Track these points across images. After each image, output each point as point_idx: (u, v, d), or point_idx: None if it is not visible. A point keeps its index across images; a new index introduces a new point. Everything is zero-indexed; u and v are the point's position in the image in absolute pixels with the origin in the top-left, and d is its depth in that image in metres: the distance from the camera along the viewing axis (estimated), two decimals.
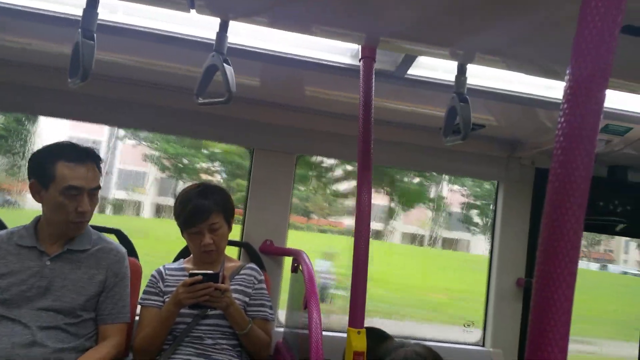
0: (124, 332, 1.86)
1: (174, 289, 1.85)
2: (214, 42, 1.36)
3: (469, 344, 2.66)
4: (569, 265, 0.46)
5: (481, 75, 1.83)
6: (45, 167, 1.75)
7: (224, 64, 1.33)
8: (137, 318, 1.96)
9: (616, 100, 1.89)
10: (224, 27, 1.35)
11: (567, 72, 0.48)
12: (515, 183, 2.62)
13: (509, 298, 2.60)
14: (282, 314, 2.39)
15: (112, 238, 2.03)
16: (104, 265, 1.85)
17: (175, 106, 2.26)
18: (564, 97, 0.48)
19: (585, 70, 0.47)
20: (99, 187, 1.82)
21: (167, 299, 1.88)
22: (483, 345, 2.63)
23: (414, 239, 4.21)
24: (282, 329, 2.28)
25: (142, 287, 2.05)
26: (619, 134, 2.02)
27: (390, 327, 2.43)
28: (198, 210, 1.90)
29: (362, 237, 1.36)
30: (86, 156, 1.79)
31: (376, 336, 1.80)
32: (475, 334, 2.71)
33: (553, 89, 1.87)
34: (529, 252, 2.62)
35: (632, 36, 1.09)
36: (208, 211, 1.91)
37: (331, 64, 1.76)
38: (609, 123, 1.97)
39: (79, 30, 1.29)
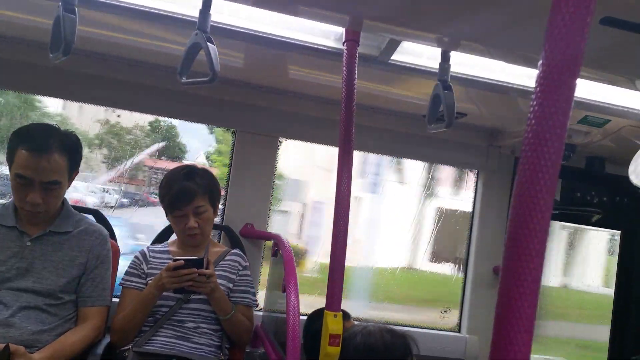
0: (103, 315, 1.85)
1: (157, 271, 1.84)
2: (197, 20, 1.35)
3: (445, 330, 2.70)
4: (536, 256, 0.46)
5: (463, 63, 1.83)
6: (10, 148, 1.72)
7: (208, 43, 1.31)
8: (114, 300, 1.96)
9: (595, 91, 1.91)
10: (207, 5, 1.33)
11: (540, 59, 0.48)
12: (495, 172, 2.65)
13: (485, 285, 2.64)
14: (260, 298, 2.40)
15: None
16: (85, 248, 1.83)
17: (158, 85, 2.22)
18: (536, 84, 0.48)
19: (558, 58, 0.47)
20: (56, 182, 1.72)
21: (149, 281, 1.87)
22: (459, 332, 2.68)
23: None
24: (261, 313, 2.29)
25: (120, 268, 2.04)
26: (597, 126, 2.05)
27: None
28: (183, 192, 1.88)
29: (341, 221, 1.37)
30: (51, 146, 1.68)
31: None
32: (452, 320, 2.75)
33: (534, 78, 1.88)
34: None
35: (610, 27, 1.10)
36: (193, 194, 1.89)
37: (315, 46, 1.74)
38: (587, 114, 2.00)
39: (60, 3, 1.26)
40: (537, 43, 1.41)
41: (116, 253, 2.04)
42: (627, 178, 2.00)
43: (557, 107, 0.46)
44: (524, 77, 1.89)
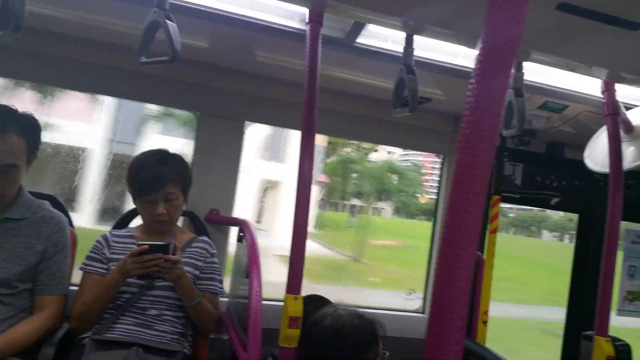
0: (60, 304, 1.80)
1: (120, 256, 1.80)
2: None
3: (409, 311, 2.75)
4: (472, 231, 0.47)
5: (429, 48, 1.84)
6: None
7: (167, 21, 1.27)
8: (72, 288, 1.91)
9: (554, 78, 1.95)
10: None
11: (479, 41, 0.48)
12: None
13: None
14: (226, 285, 2.38)
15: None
16: (43, 235, 1.78)
17: (117, 66, 2.16)
18: (475, 64, 0.48)
19: (497, 38, 0.47)
20: (13, 165, 1.66)
21: (111, 267, 1.83)
22: (423, 313, 2.73)
23: None
24: (226, 299, 2.28)
25: (78, 255, 1.98)
26: (557, 111, 2.10)
27: None
28: (154, 178, 1.84)
29: (302, 204, 1.36)
30: (7, 127, 1.62)
31: (318, 303, 1.83)
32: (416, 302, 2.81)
33: None
34: None
35: (567, 14, 1.11)
36: (165, 180, 1.85)
37: (280, 27, 1.72)
38: (547, 100, 2.04)
39: None
40: None
41: (74, 240, 1.98)
42: (584, 163, 2.06)
43: (495, 86, 0.47)
44: None
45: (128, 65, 2.13)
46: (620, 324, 2.65)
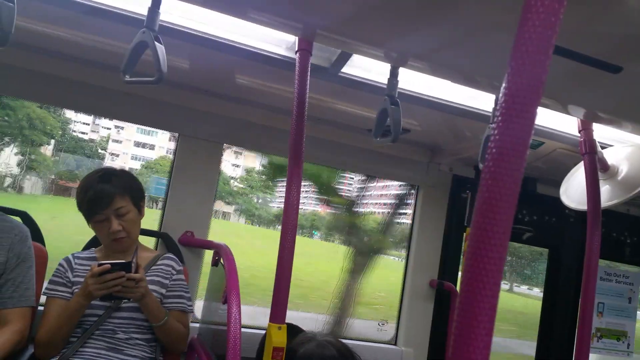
0: (26, 318, 1.72)
1: (83, 279, 1.74)
2: (144, 18, 1.30)
3: (382, 342, 2.73)
4: (494, 275, 0.47)
5: (408, 80, 1.88)
6: None
7: (155, 42, 1.27)
8: (40, 308, 1.83)
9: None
10: (156, 2, 1.28)
11: (502, 86, 0.49)
12: (434, 188, 2.72)
13: (422, 298, 2.69)
14: (198, 309, 2.32)
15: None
16: (5, 246, 1.71)
17: (99, 84, 2.13)
18: (498, 110, 0.49)
19: (519, 86, 0.48)
20: None
21: (75, 290, 1.76)
22: (395, 344, 2.71)
23: None
24: (197, 325, 2.22)
25: (48, 274, 1.91)
26: (532, 148, 2.16)
27: None
28: (99, 195, 1.79)
29: (288, 233, 1.35)
30: None
31: (290, 331, 1.81)
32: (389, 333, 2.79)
33: (474, 98, 1.96)
34: (442, 254, 2.73)
35: (554, 55, 1.15)
36: (111, 195, 1.80)
37: (265, 53, 1.73)
38: None
39: None
40: (476, 64, 1.45)
41: (43, 258, 1.92)
42: (555, 198, 2.11)
43: (518, 132, 0.47)
44: (465, 97, 1.96)
45: (109, 83, 2.10)
46: None
